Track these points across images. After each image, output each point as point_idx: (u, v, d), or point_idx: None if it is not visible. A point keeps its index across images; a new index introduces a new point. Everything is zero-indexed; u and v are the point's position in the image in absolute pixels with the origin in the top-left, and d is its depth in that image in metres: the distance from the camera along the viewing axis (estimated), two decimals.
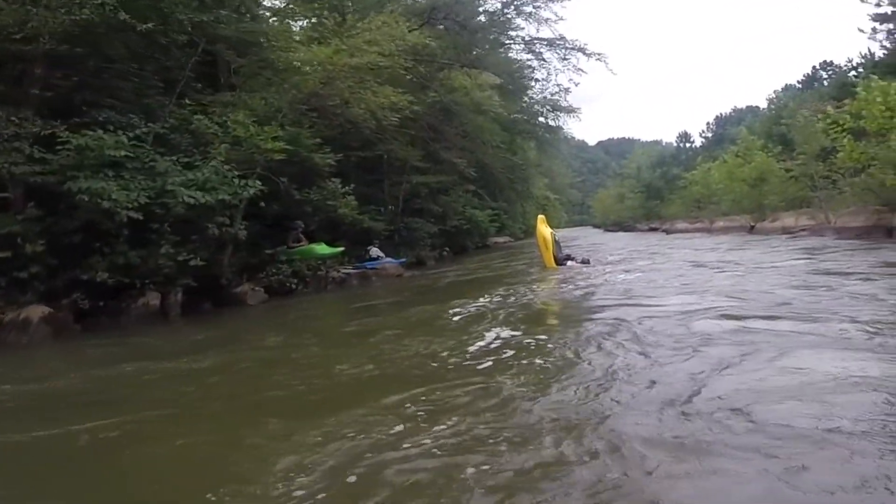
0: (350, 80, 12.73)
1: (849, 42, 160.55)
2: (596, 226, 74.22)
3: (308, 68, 12.86)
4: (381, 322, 7.86)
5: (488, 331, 5.95)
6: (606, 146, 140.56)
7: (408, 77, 19.02)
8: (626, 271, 11.58)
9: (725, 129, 64.37)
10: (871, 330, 4.47)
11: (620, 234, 42.49)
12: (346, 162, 20.21)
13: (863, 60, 33.96)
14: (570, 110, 34.86)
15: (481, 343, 5.39)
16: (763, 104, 63.13)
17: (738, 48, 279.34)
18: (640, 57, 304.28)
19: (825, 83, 47.49)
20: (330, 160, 12.79)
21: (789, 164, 19.51)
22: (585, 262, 13.74)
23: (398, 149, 19.30)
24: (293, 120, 13.51)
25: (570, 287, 9.68)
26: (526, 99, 35.68)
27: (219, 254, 11.86)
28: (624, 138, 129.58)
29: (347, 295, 12.96)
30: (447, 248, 26.17)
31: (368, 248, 18.20)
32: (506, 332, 5.78)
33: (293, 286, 12.94)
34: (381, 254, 18.13)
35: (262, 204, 13.34)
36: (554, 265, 12.81)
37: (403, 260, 18.75)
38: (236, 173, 10.50)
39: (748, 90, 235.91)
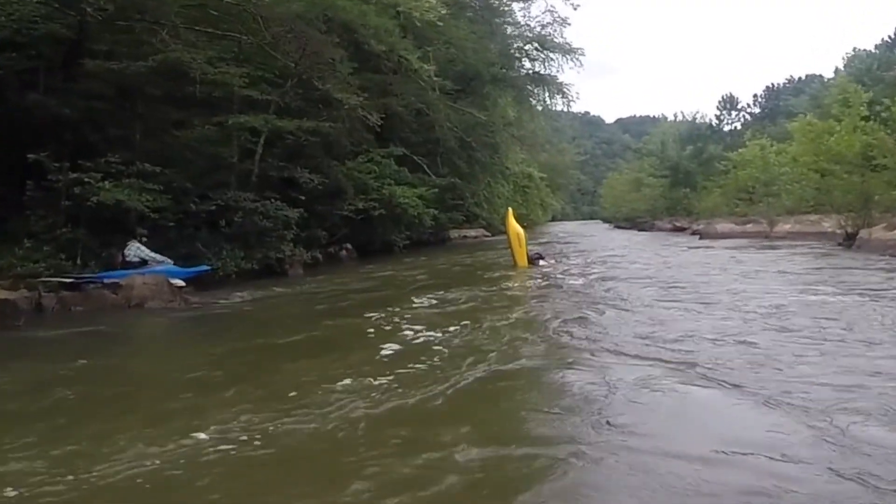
0: None
1: None
2: (606, 220, 66.73)
3: None
4: None
5: None
6: (626, 125, 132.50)
7: None
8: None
9: (779, 102, 57.16)
10: None
11: (632, 235, 34.87)
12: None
13: None
14: (566, 50, 27.33)
15: None
16: (828, 73, 55.69)
17: (788, 10, 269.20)
18: (669, 22, 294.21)
19: None
20: None
21: None
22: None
23: (192, 60, 11.50)
24: None
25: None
26: (507, 31, 28.08)
27: None
28: (647, 116, 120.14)
29: None
30: (346, 245, 18.65)
31: (129, 243, 10.82)
32: None
33: None
34: (152, 255, 10.85)
35: None
36: (526, 264, 13.22)
37: (201, 268, 11.50)
38: None
39: (801, 60, 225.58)
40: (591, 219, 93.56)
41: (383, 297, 10.44)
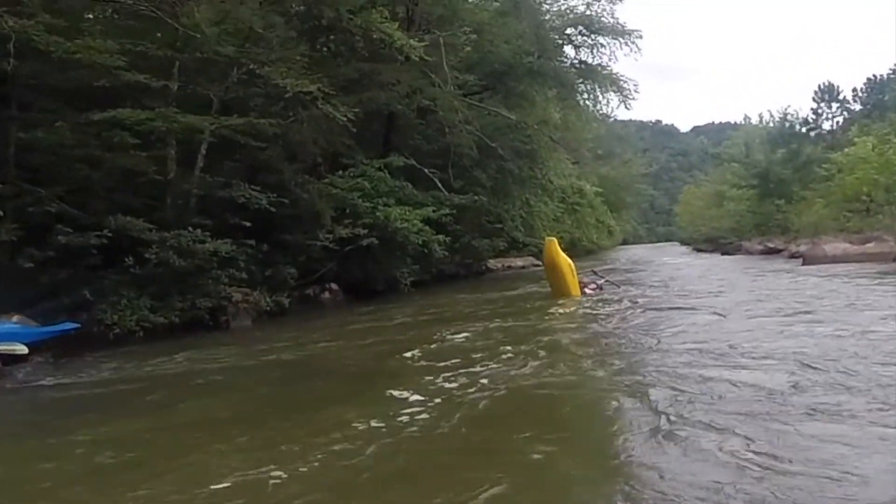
0: None
1: None
2: (684, 242, 61.70)
3: None
4: None
5: None
6: (704, 132, 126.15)
7: None
8: None
9: (884, 95, 51.34)
10: None
11: (711, 260, 30.38)
12: None
13: None
14: (619, 32, 23.79)
15: None
16: None
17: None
18: (744, 20, 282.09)
19: None
20: None
21: None
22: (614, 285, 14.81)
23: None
24: None
25: None
26: (543, 10, 24.73)
27: None
28: (728, 123, 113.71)
29: None
30: (329, 286, 15.56)
31: None
32: None
33: None
34: None
35: None
36: (578, 293, 13.39)
37: (61, 327, 8.62)
38: None
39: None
40: (668, 240, 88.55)
41: (338, 370, 7.28)
